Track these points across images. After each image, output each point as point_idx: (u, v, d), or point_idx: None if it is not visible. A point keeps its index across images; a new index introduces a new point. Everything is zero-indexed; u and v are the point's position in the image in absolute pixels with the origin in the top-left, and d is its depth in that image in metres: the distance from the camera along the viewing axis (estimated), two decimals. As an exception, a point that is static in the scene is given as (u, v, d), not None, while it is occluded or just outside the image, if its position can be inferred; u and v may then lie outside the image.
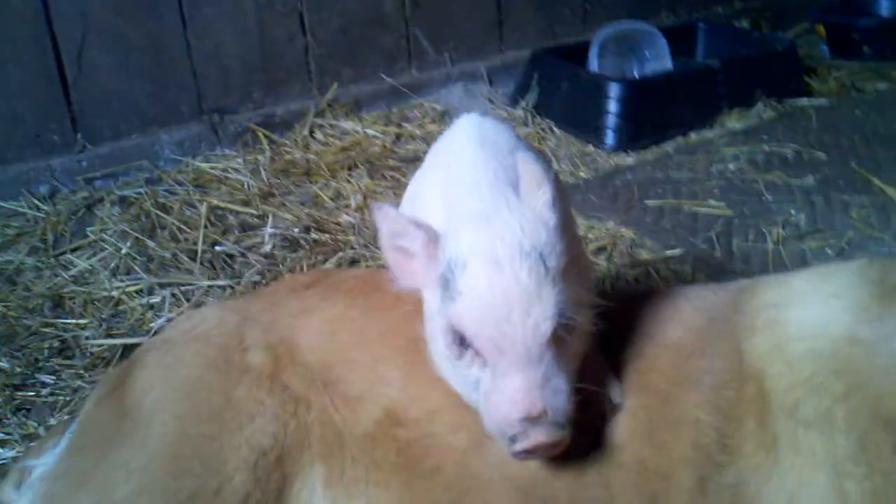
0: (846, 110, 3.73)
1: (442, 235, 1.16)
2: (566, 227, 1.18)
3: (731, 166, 3.22)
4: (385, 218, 1.18)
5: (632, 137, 3.46)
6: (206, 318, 1.47)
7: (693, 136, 3.56)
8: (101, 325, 2.36)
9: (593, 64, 3.80)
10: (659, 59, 3.88)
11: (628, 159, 3.38)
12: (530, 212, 1.14)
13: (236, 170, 3.19)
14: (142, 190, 3.03)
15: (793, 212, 2.83)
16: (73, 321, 2.39)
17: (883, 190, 2.90)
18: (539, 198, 1.14)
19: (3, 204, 3.04)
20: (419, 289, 1.23)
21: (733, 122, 3.65)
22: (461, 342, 1.13)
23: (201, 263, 2.59)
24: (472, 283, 1.09)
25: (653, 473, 1.18)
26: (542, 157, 1.34)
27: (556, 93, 3.69)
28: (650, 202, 2.98)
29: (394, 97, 3.78)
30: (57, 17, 3.08)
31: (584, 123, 3.55)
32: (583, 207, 2.94)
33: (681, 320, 1.33)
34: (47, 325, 2.38)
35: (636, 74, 3.89)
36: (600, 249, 2.67)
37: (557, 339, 1.11)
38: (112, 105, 3.25)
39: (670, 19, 4.52)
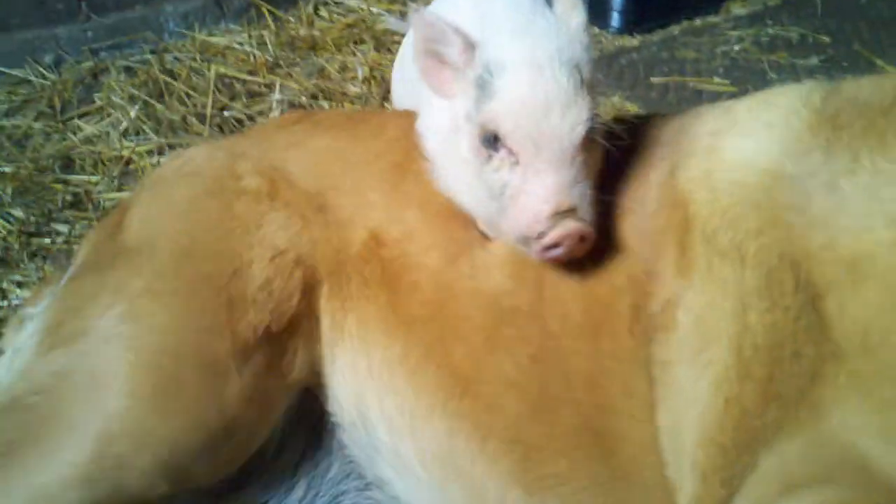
0: (851, -3, 3.71)
1: (479, 42, 1.19)
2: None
3: (736, 47, 3.22)
4: (422, 22, 1.21)
5: (637, 20, 3.44)
6: (194, 157, 1.51)
7: (698, 21, 3.54)
8: (112, 181, 2.39)
9: (600, -55, 3.75)
10: (666, -57, 3.84)
11: (633, 41, 3.38)
12: (566, 28, 1.20)
13: (240, 44, 3.17)
14: (148, 58, 3.02)
15: (796, 89, 2.84)
16: (85, 177, 2.42)
17: (885, 70, 2.92)
18: (574, 17, 1.21)
19: (8, 71, 3.03)
20: (447, 95, 1.26)
21: (738, 7, 3.62)
22: (492, 144, 1.16)
23: (210, 126, 2.61)
24: (513, 83, 1.14)
25: (597, 302, 1.22)
26: None
27: (561, -25, 3.65)
28: (655, 79, 3.00)
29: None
30: None
31: (589, 5, 3.49)
32: (588, 84, 2.95)
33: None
34: (59, 181, 2.41)
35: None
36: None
37: (586, 146, 1.15)
38: (116, -26, 3.22)
39: None
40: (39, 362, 1.24)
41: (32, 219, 2.21)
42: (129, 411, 1.16)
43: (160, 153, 2.50)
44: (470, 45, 1.20)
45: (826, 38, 3.26)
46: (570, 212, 1.12)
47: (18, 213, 2.24)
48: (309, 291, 1.33)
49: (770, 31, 3.34)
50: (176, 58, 3.03)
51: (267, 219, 1.35)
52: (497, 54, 1.16)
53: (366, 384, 1.33)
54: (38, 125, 2.74)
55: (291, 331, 1.31)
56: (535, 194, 1.13)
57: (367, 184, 1.40)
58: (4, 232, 2.16)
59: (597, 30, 3.46)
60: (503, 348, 1.25)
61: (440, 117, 1.30)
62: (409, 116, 1.45)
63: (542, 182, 1.13)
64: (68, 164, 2.52)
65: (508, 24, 1.21)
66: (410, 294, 1.32)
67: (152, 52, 3.10)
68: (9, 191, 2.32)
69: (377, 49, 3.14)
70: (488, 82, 1.15)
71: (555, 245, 1.13)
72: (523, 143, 1.13)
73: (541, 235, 1.12)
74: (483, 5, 1.30)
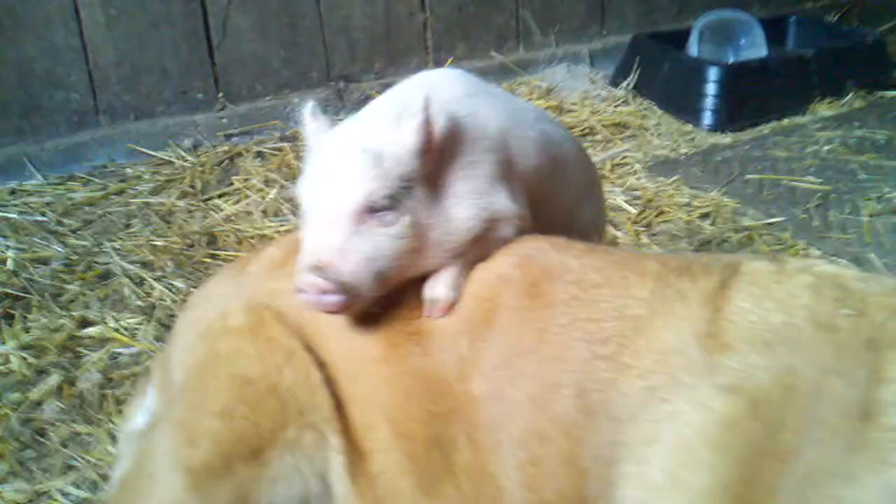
0: (933, 103, 3.90)
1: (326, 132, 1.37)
2: (482, 154, 1.38)
3: (825, 148, 3.40)
4: (305, 113, 1.40)
5: (728, 119, 3.67)
6: (201, 301, 1.61)
7: (786, 121, 3.74)
8: (258, 258, 2.63)
9: (693, 48, 4.01)
10: (754, 48, 4.08)
11: (725, 139, 3.59)
12: (390, 129, 1.30)
13: (360, 132, 3.44)
14: (280, 145, 3.31)
15: (886, 189, 3.02)
16: (233, 253, 2.67)
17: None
18: (408, 121, 1.28)
19: (151, 152, 3.34)
20: None
21: (824, 109, 3.82)
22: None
23: (342, 210, 2.85)
24: (309, 161, 1.32)
25: None
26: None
27: (656, 75, 3.91)
28: (750, 176, 3.19)
29: (502, 73, 4.02)
30: (206, -17, 3.39)
31: (683, 104, 3.76)
32: (686, 179, 3.16)
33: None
34: (209, 255, 2.66)
35: (732, 61, 4.07)
36: (704, 216, 2.89)
37: (374, 223, 1.26)
38: (250, 68, 3.54)
39: (762, 12, 4.68)
40: None
41: (192, 289, 2.45)
42: None
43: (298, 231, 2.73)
44: (317, 133, 1.37)
45: (912, 141, 3.44)
46: (321, 269, 1.22)
47: (179, 284, 2.48)
48: (292, 428, 1.33)
49: (857, 132, 3.53)
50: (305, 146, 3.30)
51: (241, 353, 1.37)
52: (318, 140, 1.35)
53: None
54: (181, 203, 3.01)
55: (263, 462, 1.31)
56: (303, 246, 1.26)
57: (339, 366, 1.40)
58: (169, 302, 2.40)
59: (690, 127, 3.68)
60: None
61: None
62: None
63: (308, 237, 1.26)
64: (212, 240, 2.77)
65: (349, 121, 1.39)
66: None
67: (282, 138, 3.38)
68: (169, 264, 2.57)
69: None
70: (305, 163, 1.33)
71: (303, 293, 1.24)
72: (305, 209, 1.28)
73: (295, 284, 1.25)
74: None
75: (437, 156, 1.32)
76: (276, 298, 1.45)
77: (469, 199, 1.36)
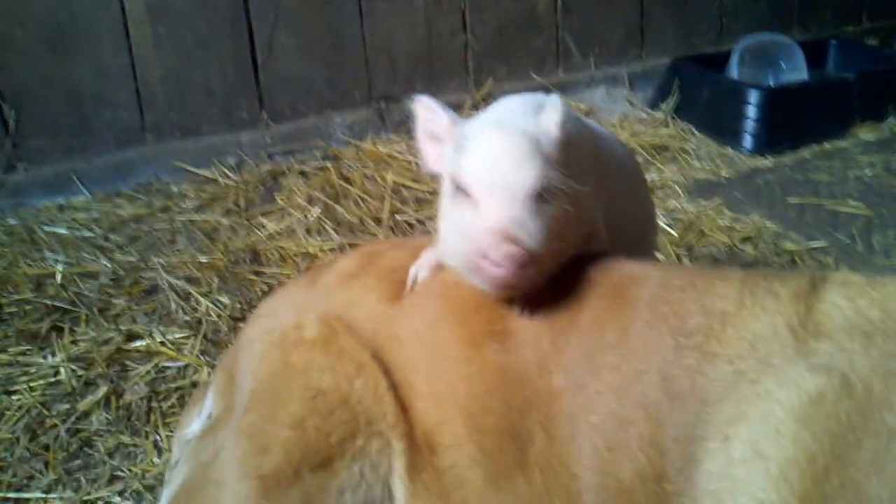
0: (977, 128, 3.87)
1: (464, 121, 1.41)
2: (584, 160, 1.44)
3: (867, 172, 3.39)
4: (420, 105, 1.43)
5: (769, 142, 3.66)
6: (272, 313, 1.62)
7: (827, 144, 3.73)
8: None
9: (733, 71, 4.01)
10: (795, 71, 4.07)
11: (766, 162, 3.58)
12: (538, 122, 1.37)
13: (400, 153, 3.48)
14: (322, 164, 3.35)
15: (930, 214, 3.01)
16: (277, 270, 2.70)
17: None
18: (550, 117, 1.36)
19: (196, 171, 3.39)
20: (439, 168, 1.43)
21: (866, 133, 3.81)
22: (461, 193, 1.33)
23: (385, 228, 2.88)
24: (477, 142, 1.32)
25: None
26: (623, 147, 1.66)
27: (696, 98, 3.91)
28: (792, 199, 3.18)
29: (542, 95, 4.03)
30: (252, 4, 3.44)
31: (723, 127, 3.76)
32: (727, 202, 3.15)
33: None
34: (253, 272, 2.69)
35: (772, 84, 4.07)
36: (746, 239, 2.88)
37: (542, 203, 1.30)
38: (294, 87, 3.59)
39: (801, 35, 4.68)
40: None
41: (237, 305, 2.49)
42: None
43: (341, 250, 2.76)
44: (454, 122, 1.40)
45: (954, 167, 3.41)
46: (512, 239, 1.24)
47: (225, 299, 2.51)
48: (360, 437, 1.35)
49: (900, 157, 3.51)
50: (349, 165, 3.34)
51: (314, 364, 1.40)
52: (473, 126, 1.37)
53: None
54: (225, 221, 3.06)
55: (332, 472, 1.33)
56: (481, 220, 1.27)
57: (416, 366, 1.42)
58: (215, 317, 2.43)
59: (731, 150, 3.68)
60: None
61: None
62: None
63: (488, 211, 1.27)
64: (256, 257, 2.81)
65: (490, 112, 1.44)
66: None
67: (324, 157, 3.43)
68: (215, 280, 2.60)
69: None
70: (462, 146, 1.33)
71: (497, 266, 1.25)
72: (479, 187, 1.29)
73: (484, 256, 1.25)
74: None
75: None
76: (349, 309, 1.48)
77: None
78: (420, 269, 1.50)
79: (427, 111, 1.43)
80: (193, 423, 1.67)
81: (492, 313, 1.39)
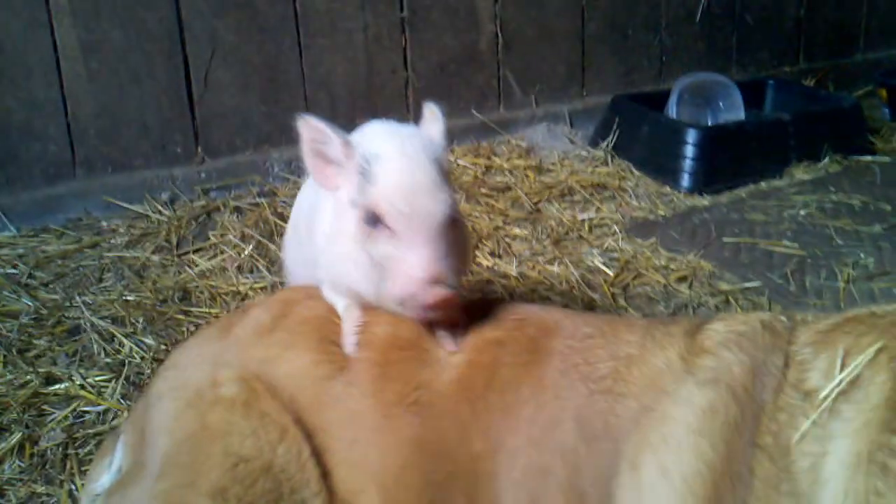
0: (908, 168, 3.94)
1: (356, 141, 1.43)
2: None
3: (802, 212, 3.42)
4: (307, 126, 1.43)
5: (706, 181, 3.68)
6: (183, 366, 1.56)
7: (763, 184, 3.77)
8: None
9: (672, 111, 4.05)
10: (733, 110, 4.12)
11: (703, 201, 3.60)
12: (427, 132, 1.47)
13: (338, 189, 3.44)
14: (258, 200, 3.30)
15: (862, 255, 3.03)
16: (205, 309, 2.64)
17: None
18: (435, 127, 1.48)
19: (128, 206, 3.32)
20: (331, 188, 1.46)
21: (801, 173, 3.85)
22: (374, 223, 1.36)
23: (318, 267, 2.84)
24: (387, 170, 1.35)
25: None
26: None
27: (635, 136, 3.93)
28: (727, 239, 3.20)
29: (483, 132, 4.04)
30: (189, 38, 3.39)
31: (661, 166, 3.78)
32: (663, 241, 3.16)
33: None
34: (182, 312, 2.63)
35: (710, 123, 4.12)
36: (681, 279, 2.88)
37: (449, 228, 1.38)
38: (230, 122, 3.54)
39: (740, 75, 4.75)
40: None
41: (163, 347, 2.42)
42: None
43: (273, 288, 2.71)
44: (347, 143, 1.41)
45: (887, 206, 3.46)
46: (440, 280, 1.33)
47: (149, 340, 2.45)
48: (283, 502, 1.31)
49: (833, 197, 3.55)
50: (284, 202, 3.29)
51: (235, 428, 1.36)
52: (371, 147, 1.39)
53: None
54: (155, 258, 2.99)
55: None
56: (411, 264, 1.33)
57: (333, 432, 1.41)
58: (138, 359, 2.37)
59: (668, 189, 3.70)
60: None
61: (327, 211, 1.50)
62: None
63: (416, 254, 1.33)
64: (185, 296, 2.75)
65: (379, 128, 1.48)
66: None
67: (260, 193, 3.38)
68: (140, 320, 2.54)
69: (466, 201, 3.38)
70: (367, 171, 1.36)
71: (430, 308, 1.33)
72: (399, 220, 1.34)
73: (416, 299, 1.33)
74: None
75: None
76: (266, 366, 1.45)
77: None
78: (348, 339, 1.49)
79: (315, 132, 1.43)
80: (102, 477, 1.58)
81: (405, 384, 1.39)
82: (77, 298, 2.67)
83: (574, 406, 1.28)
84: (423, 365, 1.42)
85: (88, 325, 2.52)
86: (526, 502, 1.25)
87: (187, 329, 2.53)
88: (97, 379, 2.28)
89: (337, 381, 1.43)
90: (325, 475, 1.36)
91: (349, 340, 1.48)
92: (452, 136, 3.91)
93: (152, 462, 1.39)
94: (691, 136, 3.70)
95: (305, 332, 1.51)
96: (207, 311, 2.63)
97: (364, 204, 1.36)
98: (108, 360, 2.37)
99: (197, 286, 2.77)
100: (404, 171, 1.35)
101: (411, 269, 1.32)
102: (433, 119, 1.50)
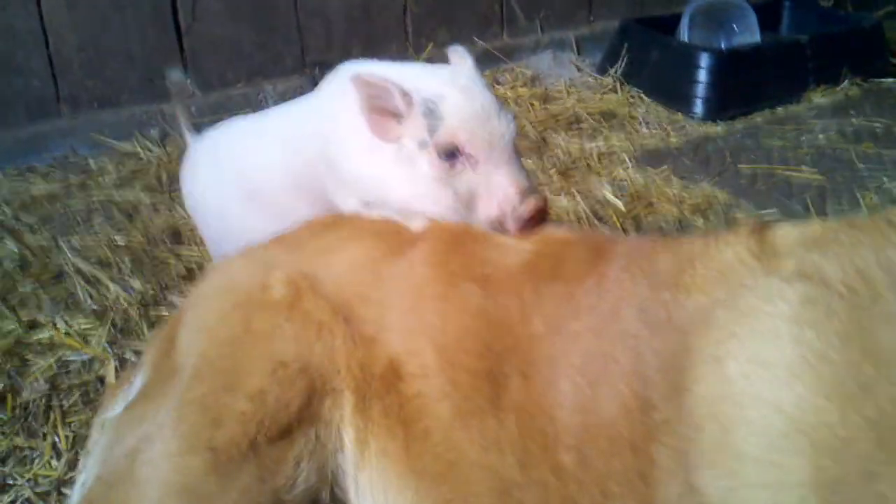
0: (932, 91, 3.77)
1: (410, 89, 1.43)
2: None
3: (821, 137, 3.28)
4: (363, 84, 1.42)
5: (720, 107, 3.53)
6: (231, 271, 1.56)
7: (780, 109, 3.61)
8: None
9: (683, 34, 3.87)
10: (747, 33, 3.94)
11: (717, 128, 3.45)
12: (460, 67, 1.51)
13: (336, 122, 3.30)
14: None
15: (885, 179, 2.89)
16: (196, 250, 2.52)
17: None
18: (466, 63, 1.51)
19: (117, 144, 3.19)
20: (392, 140, 1.46)
21: (819, 97, 3.69)
22: (451, 157, 1.41)
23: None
24: (456, 103, 1.41)
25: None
26: None
27: (645, 62, 3.76)
28: (743, 167, 3.06)
29: (486, 60, 3.86)
30: (174, -36, 3.22)
31: (673, 92, 3.62)
32: (676, 170, 3.02)
33: None
34: (171, 253, 2.51)
35: (724, 47, 3.94)
36: (695, 209, 2.75)
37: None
38: (221, 54, 3.38)
39: (755, -4, 4.56)
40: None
41: (151, 291, 2.31)
42: None
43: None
44: (405, 92, 1.41)
45: (911, 131, 3.30)
46: (532, 191, 1.42)
47: (137, 284, 2.33)
48: (315, 401, 1.33)
49: (854, 121, 3.40)
50: (278, 136, 3.15)
51: (279, 332, 1.37)
52: (430, 90, 1.42)
53: None
54: (146, 198, 2.86)
55: (289, 441, 1.30)
56: (500, 183, 1.41)
57: (391, 302, 1.41)
58: (125, 304, 2.25)
59: (680, 116, 3.54)
60: None
61: (390, 162, 1.50)
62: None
63: (503, 172, 1.42)
64: (176, 236, 2.63)
65: (421, 70, 1.52)
66: (423, 441, 1.32)
67: (253, 128, 3.23)
68: (127, 263, 2.42)
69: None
70: (434, 111, 1.41)
71: (528, 220, 1.40)
72: (480, 145, 1.40)
73: (516, 213, 1.40)
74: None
75: None
76: (321, 258, 1.48)
77: None
78: (416, 219, 1.51)
79: (372, 87, 1.42)
80: (118, 405, 1.50)
81: (471, 258, 1.43)
82: (63, 242, 2.55)
83: (638, 298, 1.26)
84: (490, 246, 1.44)
85: (73, 269, 2.40)
86: (585, 385, 1.24)
87: (176, 272, 2.42)
88: (83, 326, 2.18)
89: (398, 259, 1.45)
90: (366, 343, 1.38)
91: (417, 220, 1.50)
92: (454, 64, 3.76)
93: (184, 364, 1.38)
94: (704, 60, 3.53)
95: (364, 226, 1.55)
96: (199, 252, 2.51)
97: (438, 142, 1.40)
98: (94, 306, 2.26)
99: (188, 226, 2.65)
100: (474, 99, 1.41)
101: (502, 187, 1.41)
102: (462, 61, 1.52)
